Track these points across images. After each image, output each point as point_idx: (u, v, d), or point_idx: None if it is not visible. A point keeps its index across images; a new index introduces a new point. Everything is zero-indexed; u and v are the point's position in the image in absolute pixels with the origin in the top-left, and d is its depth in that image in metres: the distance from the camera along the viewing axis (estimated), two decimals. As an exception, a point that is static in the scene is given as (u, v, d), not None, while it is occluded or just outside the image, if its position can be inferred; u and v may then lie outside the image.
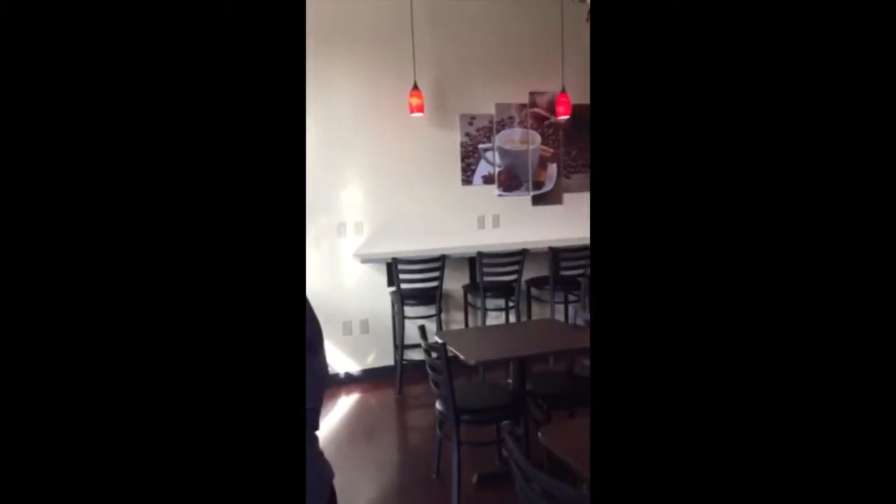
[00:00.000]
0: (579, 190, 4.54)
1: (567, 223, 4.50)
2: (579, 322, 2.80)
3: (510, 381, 2.61)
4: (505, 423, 1.27)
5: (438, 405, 2.35)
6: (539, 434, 1.37)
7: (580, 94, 4.36)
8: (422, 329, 2.43)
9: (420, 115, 3.78)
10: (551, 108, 4.33)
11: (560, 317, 4.10)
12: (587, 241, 3.99)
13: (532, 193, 4.40)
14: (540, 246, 3.97)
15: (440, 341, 2.21)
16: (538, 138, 4.39)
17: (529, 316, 4.23)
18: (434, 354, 2.20)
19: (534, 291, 4.23)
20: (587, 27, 4.19)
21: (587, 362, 2.47)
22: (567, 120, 4.29)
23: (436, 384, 2.29)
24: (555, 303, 4.02)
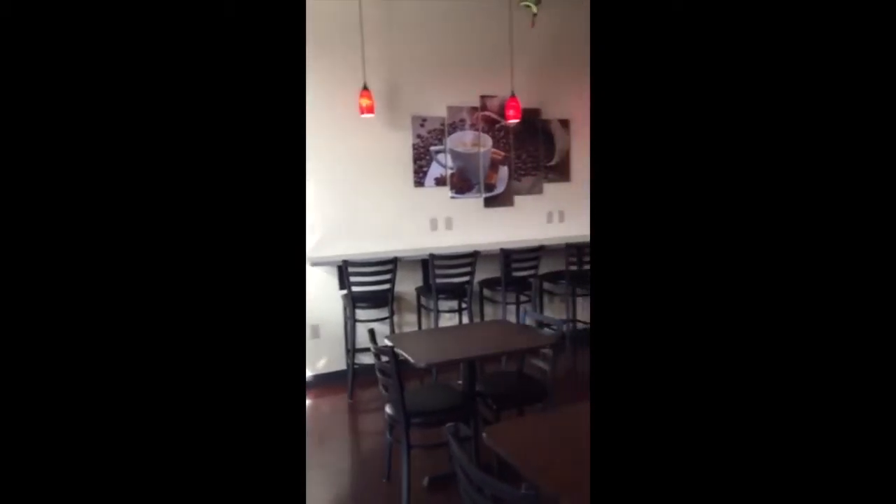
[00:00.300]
0: (529, 192, 4.62)
1: (518, 225, 4.56)
2: (529, 322, 2.84)
3: (461, 382, 2.63)
4: (448, 425, 1.27)
5: (388, 409, 2.34)
6: (484, 435, 1.38)
7: (529, 98, 4.44)
8: (371, 332, 2.41)
9: (370, 116, 3.75)
10: (501, 112, 4.38)
11: (511, 317, 4.15)
12: (537, 243, 4.05)
13: (484, 196, 4.44)
14: (492, 247, 4.01)
15: (390, 344, 2.20)
16: (489, 141, 4.43)
17: (482, 317, 4.26)
18: (384, 358, 2.18)
19: (486, 292, 4.27)
20: (533, 32, 4.27)
21: (535, 362, 2.51)
22: (517, 123, 4.35)
23: (385, 388, 2.28)
24: (506, 303, 4.07)
